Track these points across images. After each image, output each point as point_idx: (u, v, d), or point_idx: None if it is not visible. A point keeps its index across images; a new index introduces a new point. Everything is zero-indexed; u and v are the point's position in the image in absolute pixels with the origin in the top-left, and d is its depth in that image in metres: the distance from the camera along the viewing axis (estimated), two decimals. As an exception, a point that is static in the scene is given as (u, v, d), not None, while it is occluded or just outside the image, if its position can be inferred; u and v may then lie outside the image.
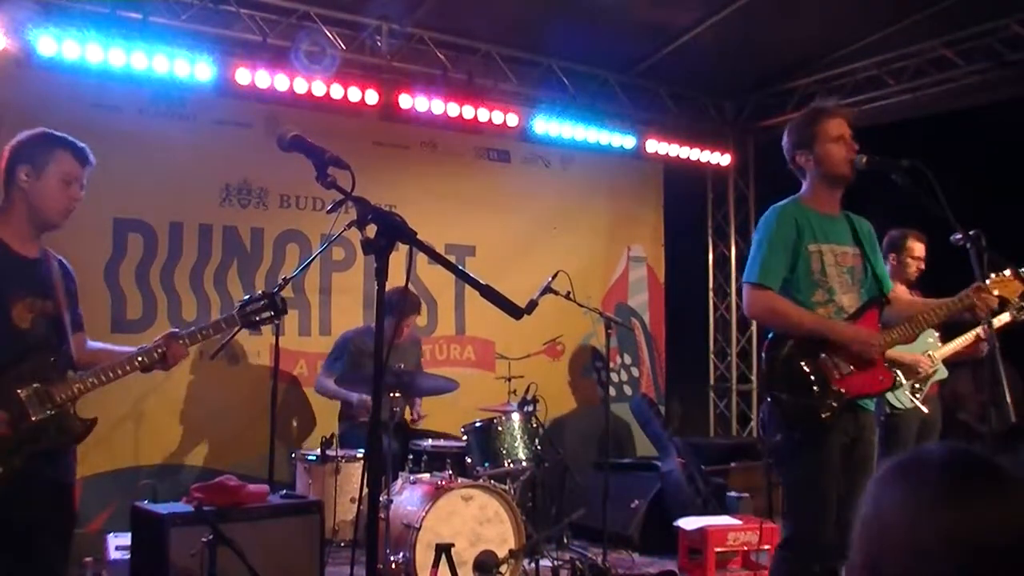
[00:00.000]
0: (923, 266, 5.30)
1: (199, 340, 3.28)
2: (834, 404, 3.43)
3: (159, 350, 3.17)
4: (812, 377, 3.45)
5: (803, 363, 3.46)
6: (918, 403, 3.83)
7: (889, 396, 4.80)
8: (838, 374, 3.46)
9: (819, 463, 3.40)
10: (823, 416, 3.41)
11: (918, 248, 5.29)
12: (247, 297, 3.34)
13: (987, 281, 3.58)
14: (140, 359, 3.16)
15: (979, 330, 4.82)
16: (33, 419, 2.94)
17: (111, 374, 3.11)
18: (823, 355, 3.47)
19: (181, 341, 3.21)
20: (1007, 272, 3.68)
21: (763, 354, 3.59)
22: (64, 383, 3.02)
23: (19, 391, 2.94)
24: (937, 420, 5.23)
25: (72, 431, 3.07)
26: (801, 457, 3.45)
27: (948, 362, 5.13)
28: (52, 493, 3.06)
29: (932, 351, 4.70)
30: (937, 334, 5.02)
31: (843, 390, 3.45)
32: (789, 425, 3.48)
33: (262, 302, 3.31)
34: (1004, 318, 4.60)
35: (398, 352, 5.76)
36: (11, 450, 2.89)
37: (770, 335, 3.59)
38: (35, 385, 2.96)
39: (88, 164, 3.15)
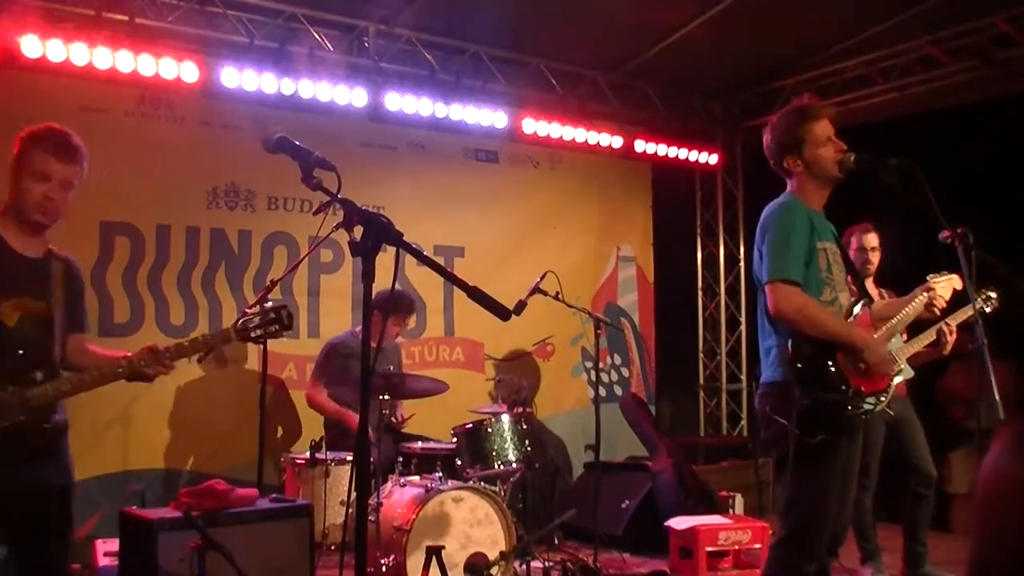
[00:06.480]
0: (878, 257, 5.20)
1: (183, 355, 3.17)
2: (863, 403, 3.38)
3: (141, 363, 3.09)
4: (839, 377, 3.38)
5: (828, 363, 3.37)
6: (882, 404, 3.83)
7: None
8: (856, 373, 3.40)
9: (843, 467, 3.36)
10: (862, 416, 3.38)
11: (871, 239, 5.21)
12: (247, 312, 3.23)
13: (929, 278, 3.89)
14: (119, 370, 3.09)
15: (941, 326, 4.74)
16: (4, 423, 2.87)
17: (89, 383, 3.06)
18: (840, 354, 3.39)
19: (167, 357, 3.11)
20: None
21: (791, 355, 3.38)
22: (39, 388, 2.95)
23: None
24: (908, 419, 5.15)
25: (40, 438, 2.98)
26: (827, 461, 3.35)
27: (925, 363, 5.06)
28: (36, 495, 2.98)
29: (894, 349, 4.67)
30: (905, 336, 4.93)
31: (863, 388, 3.40)
32: (826, 427, 3.33)
33: (268, 316, 3.19)
34: (967, 311, 4.48)
35: (384, 355, 5.73)
36: None
37: (790, 337, 3.40)
38: (10, 388, 2.89)
39: (70, 162, 3.03)
